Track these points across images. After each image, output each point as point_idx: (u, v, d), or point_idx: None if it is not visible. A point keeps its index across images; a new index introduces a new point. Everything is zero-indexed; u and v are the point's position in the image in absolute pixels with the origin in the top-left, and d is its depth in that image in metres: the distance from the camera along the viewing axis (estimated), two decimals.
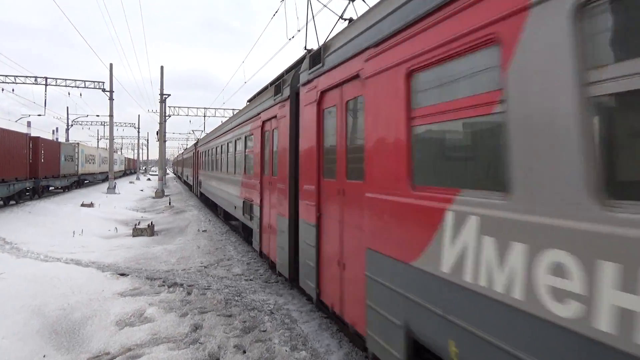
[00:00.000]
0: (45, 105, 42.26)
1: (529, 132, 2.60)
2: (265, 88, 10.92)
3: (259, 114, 10.83)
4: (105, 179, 53.29)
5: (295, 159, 7.93)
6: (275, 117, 9.23)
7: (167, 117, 43.46)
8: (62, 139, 58.85)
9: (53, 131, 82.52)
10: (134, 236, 16.37)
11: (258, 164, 10.70)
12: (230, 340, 6.33)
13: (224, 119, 26.72)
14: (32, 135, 30.38)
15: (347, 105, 5.64)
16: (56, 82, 40.06)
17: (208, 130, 58.53)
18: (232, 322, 7.04)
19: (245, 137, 12.57)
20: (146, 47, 49.46)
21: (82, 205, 25.91)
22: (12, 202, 25.13)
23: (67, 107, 62.52)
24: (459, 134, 3.52)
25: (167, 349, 6.03)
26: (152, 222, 18.01)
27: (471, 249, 3.10)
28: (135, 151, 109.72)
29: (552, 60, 2.44)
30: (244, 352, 6.01)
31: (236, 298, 8.32)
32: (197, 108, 50.99)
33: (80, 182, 43.61)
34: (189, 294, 8.47)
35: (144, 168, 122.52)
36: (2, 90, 38.65)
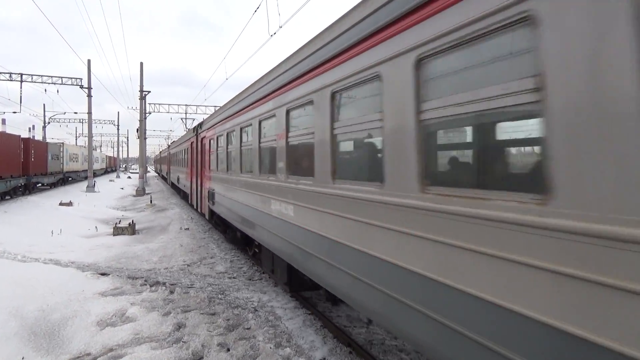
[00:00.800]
0: (20, 103, 41.33)
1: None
2: (192, 129, 21.51)
3: (189, 138, 22.03)
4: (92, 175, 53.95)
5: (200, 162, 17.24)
6: (193, 141, 19.64)
7: (147, 114, 42.85)
8: (38, 137, 57.70)
9: (29, 129, 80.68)
10: (114, 235, 16.13)
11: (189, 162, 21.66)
12: (214, 339, 6.31)
13: (206, 116, 28.05)
14: (13, 134, 31.42)
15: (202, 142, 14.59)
16: (32, 78, 39.08)
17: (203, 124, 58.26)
18: (216, 321, 7.01)
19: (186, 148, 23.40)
20: (125, 43, 48.69)
21: (61, 204, 25.41)
22: (7, 197, 27.91)
23: (44, 104, 61.11)
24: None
25: (149, 348, 5.98)
26: (133, 221, 17.75)
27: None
28: (115, 149, 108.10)
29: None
30: (228, 350, 5.99)
31: (220, 296, 8.28)
32: (178, 105, 50.43)
33: (65, 179, 45.27)
34: (171, 292, 8.39)
35: (124, 166, 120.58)
36: None
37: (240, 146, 9.61)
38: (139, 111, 41.06)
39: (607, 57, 2.12)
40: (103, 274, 9.67)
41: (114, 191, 42.50)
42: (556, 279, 2.34)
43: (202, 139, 16.58)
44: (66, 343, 6.24)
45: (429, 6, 3.29)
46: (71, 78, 39.87)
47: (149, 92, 41.01)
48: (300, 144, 6.12)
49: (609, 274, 2.08)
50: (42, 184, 37.73)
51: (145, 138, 43.14)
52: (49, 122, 63.21)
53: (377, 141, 4.29)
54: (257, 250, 10.05)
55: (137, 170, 45.45)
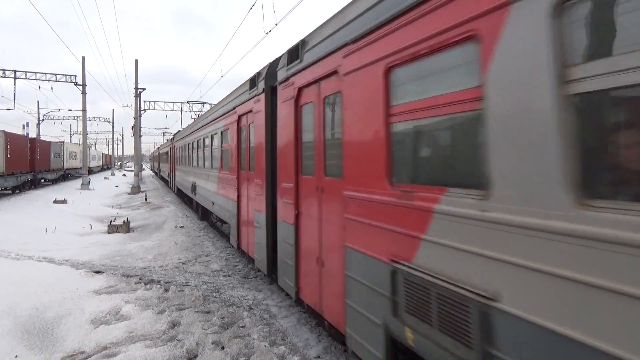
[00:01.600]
0: (14, 99, 41.08)
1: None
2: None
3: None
4: (89, 172, 56.30)
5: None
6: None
7: (142, 112, 42.65)
8: (32, 134, 57.43)
9: (23, 126, 79.97)
10: (109, 233, 16.06)
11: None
12: (209, 337, 6.30)
13: (202, 114, 26.29)
14: (21, 135, 36.10)
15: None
16: (26, 75, 38.85)
17: (193, 123, 57.13)
18: (211, 319, 7.00)
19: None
20: (120, 40, 48.42)
21: (55, 202, 25.29)
22: (17, 191, 32.08)
23: (38, 101, 60.73)
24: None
25: (144, 346, 5.96)
26: (127, 219, 17.69)
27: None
28: (110, 146, 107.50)
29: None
30: (223, 348, 5.99)
31: (214, 294, 8.27)
32: (173, 102, 50.27)
33: (65, 175, 48.63)
34: (166, 290, 8.38)
35: (119, 164, 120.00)
36: None
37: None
38: (134, 109, 40.87)
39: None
40: (97, 272, 9.63)
41: (109, 189, 42.30)
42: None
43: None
44: (60, 341, 6.21)
45: None
46: (65, 75, 39.67)
47: (144, 89, 40.84)
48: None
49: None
50: (45, 180, 40.73)
51: (140, 136, 42.96)
52: (43, 120, 62.83)
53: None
54: None
55: (132, 168, 45.30)
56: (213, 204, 14.01)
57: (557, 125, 2.30)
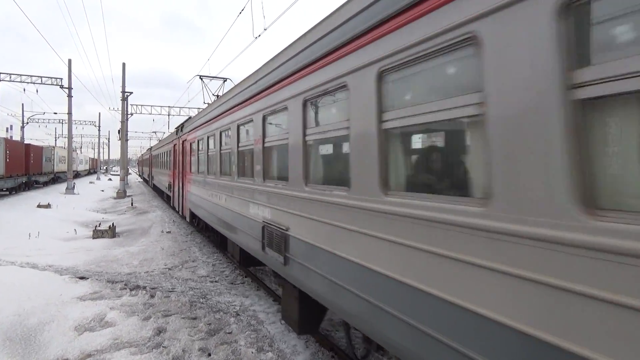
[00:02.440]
0: None
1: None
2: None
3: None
4: (76, 176, 61.81)
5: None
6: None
7: (129, 116, 42.27)
8: (16, 137, 56.71)
9: (7, 129, 78.74)
10: (94, 238, 15.85)
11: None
12: (195, 343, 6.25)
13: (187, 117, 28.87)
14: (19, 142, 39.36)
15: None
16: (10, 77, 38.27)
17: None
18: (197, 325, 6.94)
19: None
20: (107, 43, 48.00)
21: (39, 206, 24.89)
22: (13, 192, 35.32)
23: (22, 104, 59.92)
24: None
25: (129, 353, 5.89)
26: (113, 224, 17.47)
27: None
28: (96, 150, 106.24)
29: None
30: (209, 354, 5.94)
31: (201, 300, 8.20)
32: (160, 106, 49.91)
33: (55, 178, 51.06)
34: (152, 296, 8.29)
35: (104, 168, 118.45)
36: None
37: None
38: (120, 112, 40.50)
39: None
40: (82, 278, 9.49)
41: (94, 193, 41.72)
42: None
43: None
44: (43, 349, 6.10)
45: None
46: (51, 78, 39.21)
47: (131, 93, 40.48)
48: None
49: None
50: (38, 182, 43.78)
51: (127, 140, 42.55)
52: (27, 123, 61.93)
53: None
54: None
55: (119, 172, 45.09)
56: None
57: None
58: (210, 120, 11.04)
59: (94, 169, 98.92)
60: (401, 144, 3.76)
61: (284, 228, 5.68)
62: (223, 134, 9.58)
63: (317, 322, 5.86)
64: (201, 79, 21.62)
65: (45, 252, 12.89)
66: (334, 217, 4.34)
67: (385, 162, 3.64)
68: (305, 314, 5.73)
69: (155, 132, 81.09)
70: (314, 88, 4.80)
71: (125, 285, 9.04)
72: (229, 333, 6.66)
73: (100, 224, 17.83)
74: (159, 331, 6.66)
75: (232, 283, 9.67)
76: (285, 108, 5.65)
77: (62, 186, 43.54)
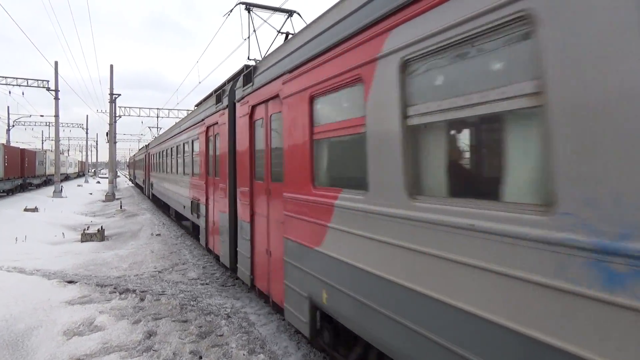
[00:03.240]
0: None
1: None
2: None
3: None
4: (66, 179, 65.10)
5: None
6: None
7: (117, 118, 41.93)
8: (2, 141, 56.13)
9: None
10: (82, 241, 15.68)
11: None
12: (186, 346, 6.21)
13: (178, 120, 25.63)
14: (15, 147, 42.78)
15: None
16: None
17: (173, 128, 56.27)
18: (188, 328, 6.90)
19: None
20: (94, 45, 47.59)
21: (26, 209, 24.56)
22: (10, 193, 38.29)
23: (8, 107, 59.20)
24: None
25: (119, 357, 5.84)
26: (102, 227, 17.31)
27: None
28: (84, 153, 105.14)
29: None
30: (200, 357, 5.91)
31: (192, 303, 8.15)
32: (149, 108, 49.59)
33: (47, 181, 53.87)
34: (142, 300, 8.22)
35: (92, 170, 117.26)
36: None
37: None
38: (108, 115, 40.14)
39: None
40: (70, 282, 9.38)
41: (82, 196, 41.30)
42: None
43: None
44: (31, 354, 6.02)
45: None
46: (37, 80, 38.67)
47: (119, 95, 40.18)
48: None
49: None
50: (32, 184, 47.11)
51: (115, 142, 42.18)
52: (13, 125, 61.10)
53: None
54: None
55: (107, 175, 44.89)
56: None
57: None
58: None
59: (82, 171, 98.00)
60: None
61: None
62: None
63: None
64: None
65: (33, 256, 12.72)
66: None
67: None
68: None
69: (143, 135, 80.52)
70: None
71: (114, 288, 8.95)
72: (220, 335, 6.63)
73: (88, 227, 17.67)
74: (150, 334, 6.61)
75: (223, 285, 9.63)
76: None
77: (50, 189, 43.23)
